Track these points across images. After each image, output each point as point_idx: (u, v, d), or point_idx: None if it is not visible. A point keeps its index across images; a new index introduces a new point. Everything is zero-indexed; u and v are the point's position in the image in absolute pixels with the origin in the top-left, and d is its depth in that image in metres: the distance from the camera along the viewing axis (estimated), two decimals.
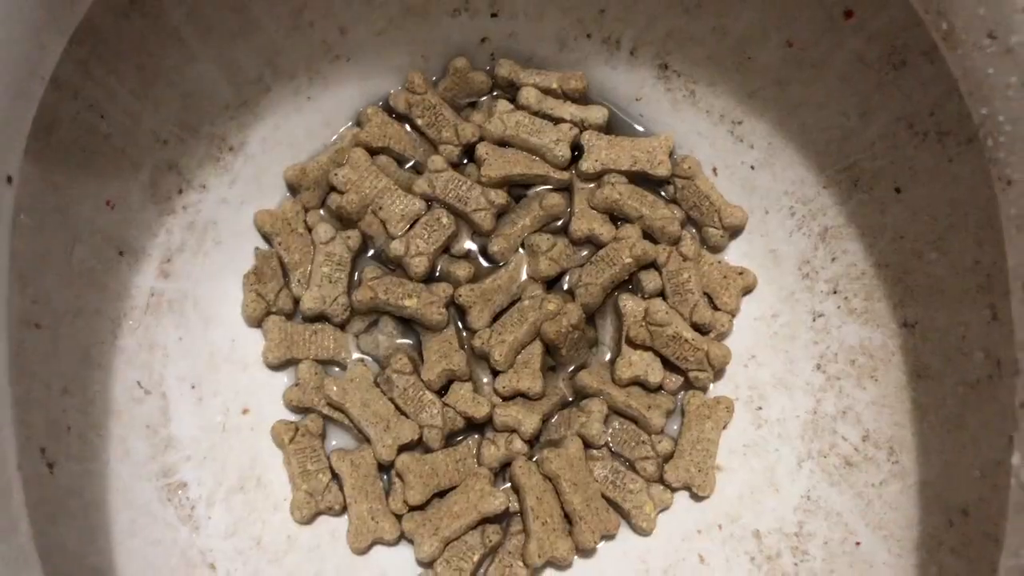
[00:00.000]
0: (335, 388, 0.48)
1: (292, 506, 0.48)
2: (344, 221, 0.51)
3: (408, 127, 0.53)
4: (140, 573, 0.43)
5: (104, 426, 0.44)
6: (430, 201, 0.51)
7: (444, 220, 0.50)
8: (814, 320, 0.50)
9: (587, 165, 0.51)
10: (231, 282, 0.50)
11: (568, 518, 0.48)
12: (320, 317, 0.50)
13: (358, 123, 0.52)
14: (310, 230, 0.51)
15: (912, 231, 0.46)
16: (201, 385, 0.48)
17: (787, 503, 0.48)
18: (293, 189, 0.51)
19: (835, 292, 0.49)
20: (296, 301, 0.50)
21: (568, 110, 0.52)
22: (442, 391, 0.50)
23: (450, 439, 0.50)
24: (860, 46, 0.46)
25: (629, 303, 0.50)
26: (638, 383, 0.50)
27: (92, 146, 0.44)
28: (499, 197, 0.51)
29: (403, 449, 0.48)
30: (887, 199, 0.47)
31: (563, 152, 0.51)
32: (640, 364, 0.50)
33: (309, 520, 0.48)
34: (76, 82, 0.42)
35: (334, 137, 0.52)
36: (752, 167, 0.52)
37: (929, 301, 0.45)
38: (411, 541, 0.48)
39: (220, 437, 0.48)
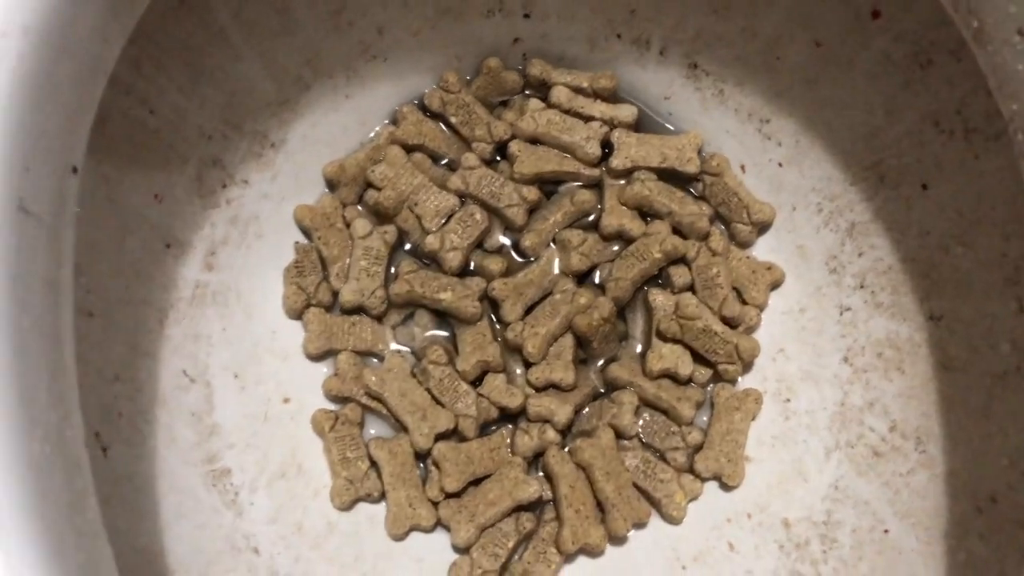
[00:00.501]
0: (374, 378, 0.49)
1: (332, 493, 0.49)
2: (381, 216, 0.52)
3: (442, 125, 0.54)
4: (187, 556, 0.44)
5: (152, 413, 0.45)
6: (464, 197, 0.52)
7: (477, 216, 0.52)
8: (841, 314, 0.51)
9: (617, 162, 0.53)
10: (272, 275, 0.51)
11: (600, 506, 0.49)
12: (358, 309, 0.51)
13: (394, 121, 0.54)
14: (348, 225, 0.52)
15: (938, 226, 0.47)
16: (244, 374, 0.49)
17: (816, 492, 0.49)
18: (332, 185, 0.52)
19: (862, 286, 0.50)
20: (335, 294, 0.51)
21: (598, 108, 0.53)
22: (476, 382, 0.51)
23: (484, 429, 0.51)
24: (887, 45, 0.47)
25: (659, 297, 0.51)
26: (668, 375, 0.51)
27: (141, 141, 0.45)
28: (531, 193, 0.52)
29: (440, 438, 0.50)
30: (913, 195, 0.48)
31: (593, 149, 0.52)
32: (670, 357, 0.51)
33: (348, 507, 0.49)
34: (128, 78, 0.44)
35: (371, 135, 0.54)
36: (780, 164, 0.53)
37: (955, 294, 0.46)
38: (447, 527, 0.49)
39: (262, 425, 0.49)
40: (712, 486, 0.51)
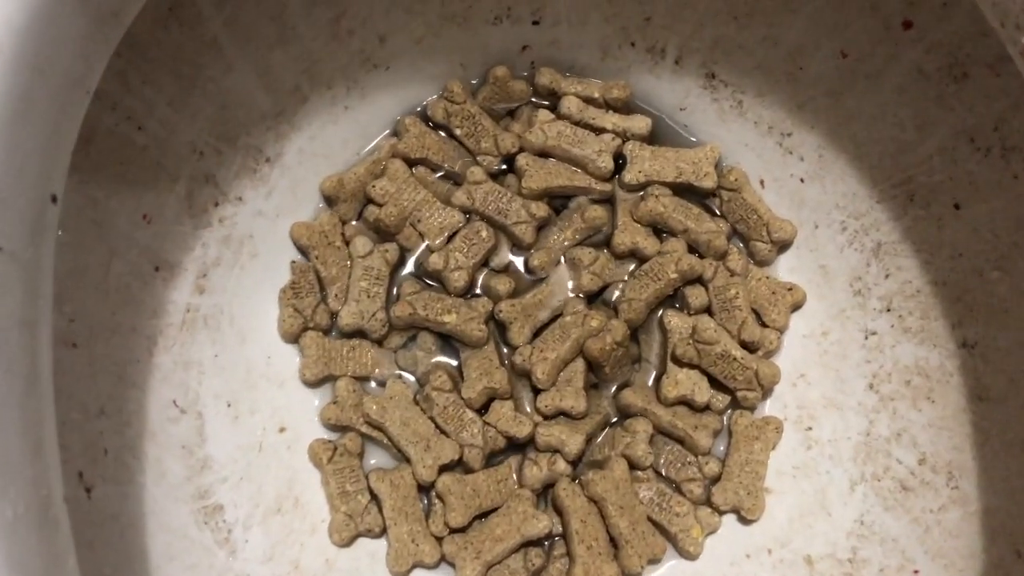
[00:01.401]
0: (374, 406, 0.47)
1: (330, 528, 0.46)
2: (382, 234, 0.50)
3: (446, 137, 0.52)
4: None
5: (140, 447, 0.43)
6: (469, 214, 0.50)
7: (484, 233, 0.49)
8: (866, 338, 0.48)
9: (630, 176, 0.50)
10: (267, 297, 0.48)
11: (614, 542, 0.47)
12: (358, 333, 0.49)
13: (395, 133, 0.51)
14: (347, 243, 0.49)
15: (972, 248, 0.45)
16: (237, 403, 0.47)
17: (840, 528, 0.47)
18: (330, 201, 0.50)
19: (889, 310, 0.48)
20: (333, 316, 0.49)
21: (611, 120, 0.51)
22: (482, 409, 0.49)
23: (491, 459, 0.49)
24: (919, 57, 0.44)
25: (675, 320, 0.49)
26: (684, 403, 0.49)
27: (129, 158, 0.43)
28: (539, 210, 0.50)
29: (444, 469, 0.47)
30: (945, 215, 0.45)
31: (606, 163, 0.50)
32: (687, 383, 0.48)
33: (348, 543, 0.46)
34: (114, 93, 0.41)
35: (370, 147, 0.51)
36: (801, 180, 0.50)
37: (990, 321, 0.44)
38: (452, 564, 0.46)
39: (257, 457, 0.47)
40: (730, 519, 0.48)
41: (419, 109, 0.51)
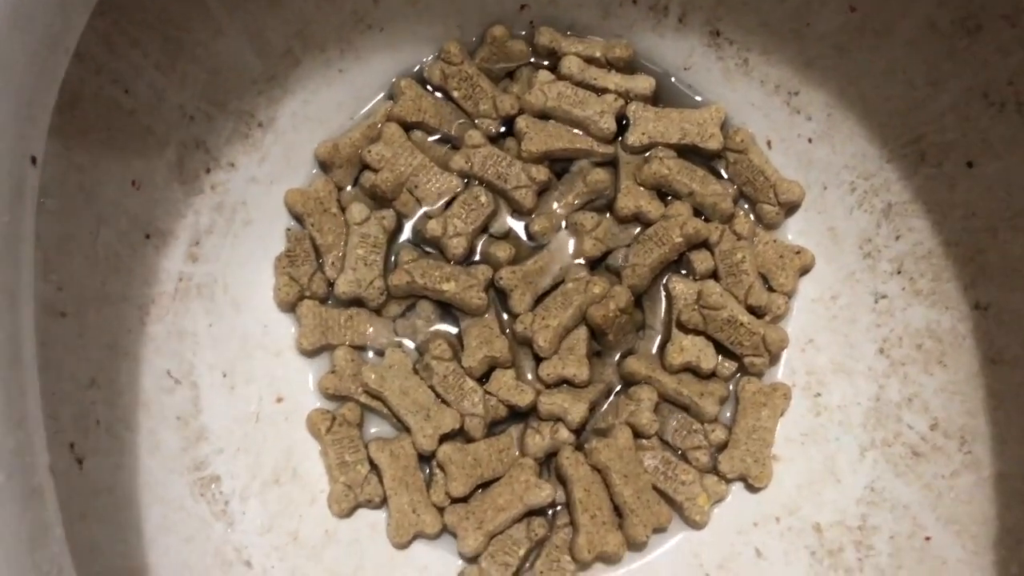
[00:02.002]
0: (373, 376, 0.46)
1: (330, 499, 0.46)
2: (379, 200, 0.49)
3: (443, 100, 0.50)
4: (174, 572, 0.41)
5: (133, 418, 0.42)
6: (468, 178, 0.49)
7: (483, 199, 0.48)
8: (876, 302, 0.47)
9: (633, 138, 0.49)
10: (262, 265, 0.47)
11: (618, 511, 0.46)
12: (355, 301, 0.48)
13: (391, 97, 0.50)
14: (343, 210, 0.48)
15: (985, 208, 0.43)
16: (233, 373, 0.46)
17: (849, 495, 0.46)
18: (325, 167, 0.49)
19: (899, 272, 0.46)
20: (330, 284, 0.48)
21: (613, 80, 0.49)
22: (483, 378, 0.48)
23: (492, 428, 0.48)
24: (930, 10, 0.43)
25: (680, 285, 0.48)
26: (690, 369, 0.48)
27: (116, 123, 0.42)
28: (540, 173, 0.48)
29: (444, 439, 0.46)
30: (957, 174, 0.44)
31: (608, 124, 0.48)
32: (692, 349, 0.47)
33: (348, 513, 0.46)
34: (99, 55, 0.40)
35: (365, 111, 0.50)
36: (809, 140, 0.49)
37: (1004, 282, 0.43)
38: (453, 534, 0.46)
39: (253, 427, 0.46)
40: (738, 488, 0.48)
41: (415, 71, 0.50)
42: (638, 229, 0.49)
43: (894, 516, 0.44)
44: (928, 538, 0.43)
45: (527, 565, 0.46)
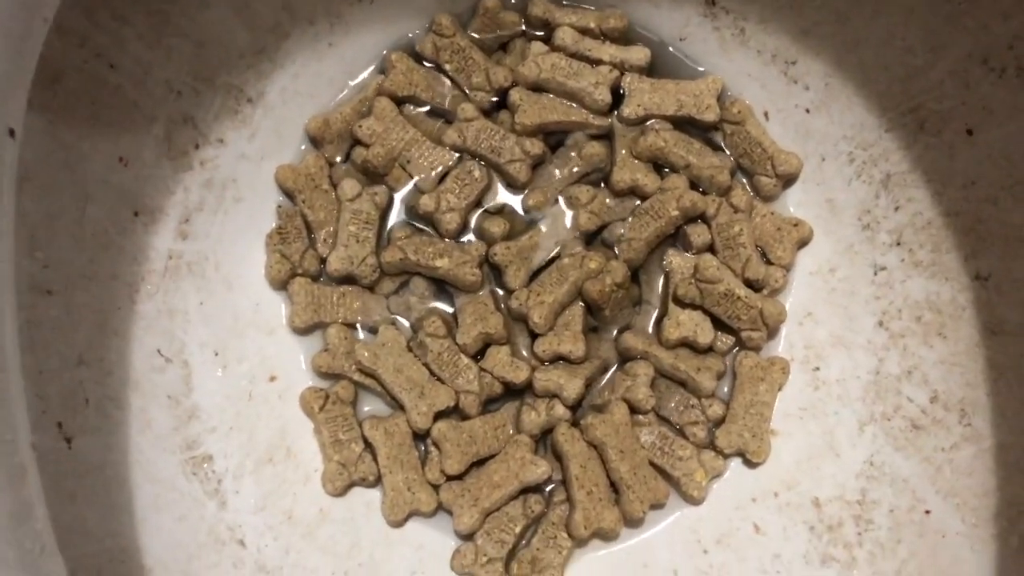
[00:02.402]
0: (366, 353, 0.45)
1: (324, 478, 0.45)
2: (370, 175, 0.48)
3: (436, 73, 0.49)
4: (166, 552, 0.41)
5: (124, 397, 0.42)
6: (461, 152, 0.48)
7: (476, 173, 0.47)
8: (875, 274, 0.46)
9: (629, 110, 0.48)
10: (253, 242, 0.47)
11: (614, 487, 0.46)
12: (348, 279, 0.47)
13: (382, 71, 0.49)
14: (335, 186, 0.48)
15: (986, 176, 0.43)
16: (225, 351, 0.45)
17: (848, 469, 0.45)
18: (316, 142, 0.48)
19: (899, 244, 0.46)
20: (322, 261, 0.47)
21: (607, 51, 0.48)
22: (478, 355, 0.47)
23: (487, 405, 0.47)
24: None
25: (676, 259, 0.47)
26: (687, 344, 0.47)
27: (102, 99, 0.41)
28: (534, 147, 0.48)
29: (439, 416, 0.46)
30: (957, 142, 0.43)
31: (603, 96, 0.48)
32: (689, 324, 0.47)
33: (342, 492, 0.45)
34: (82, 29, 0.40)
35: (353, 83, 0.49)
36: (807, 110, 0.48)
37: (1005, 252, 0.42)
38: (449, 512, 0.45)
39: (246, 406, 0.45)
40: (736, 463, 0.47)
41: (407, 44, 0.49)
42: (635, 202, 0.48)
43: (894, 490, 0.44)
44: (928, 512, 0.43)
45: (523, 542, 0.46)
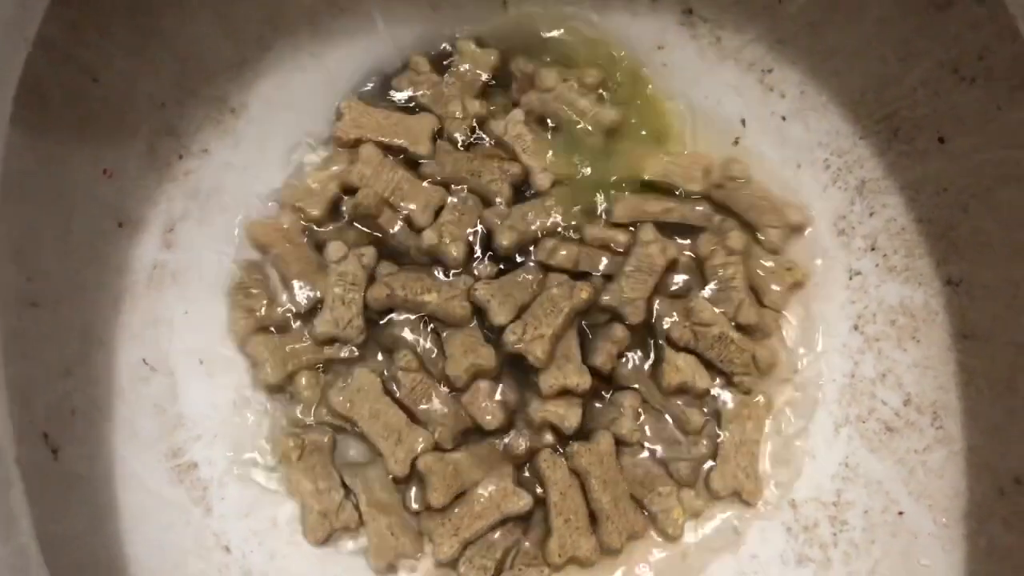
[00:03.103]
0: (341, 399, 0.45)
1: (306, 528, 0.45)
2: (362, 220, 0.48)
3: (388, 112, 0.49)
4: (152, 560, 0.41)
5: (109, 407, 0.42)
6: (445, 184, 0.48)
7: (469, 201, 0.48)
8: (851, 279, 0.47)
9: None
10: (239, 251, 0.47)
11: (594, 516, 0.45)
12: (333, 340, 0.47)
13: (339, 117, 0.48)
14: (316, 246, 0.48)
15: (956, 183, 0.43)
16: (210, 360, 0.46)
17: (824, 471, 0.46)
18: (295, 209, 0.47)
19: (873, 249, 0.47)
20: (297, 316, 0.47)
21: (582, 104, 0.49)
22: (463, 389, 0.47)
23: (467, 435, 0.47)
24: None
25: (667, 303, 0.47)
26: (684, 390, 0.47)
27: (86, 112, 0.42)
28: (512, 167, 0.48)
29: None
30: (929, 149, 0.44)
31: (543, 183, 0.48)
32: (687, 370, 0.46)
33: (324, 541, 0.45)
34: (65, 44, 0.40)
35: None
36: (783, 118, 0.49)
37: (976, 257, 0.43)
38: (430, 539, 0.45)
39: (231, 414, 0.46)
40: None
41: (386, 57, 0.49)
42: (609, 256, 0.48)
43: (868, 491, 0.45)
44: (901, 513, 0.44)
45: (507, 564, 0.46)
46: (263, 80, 0.48)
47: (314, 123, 0.49)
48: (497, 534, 0.46)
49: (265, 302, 0.47)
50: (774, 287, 0.48)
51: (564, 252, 0.47)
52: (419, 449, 0.45)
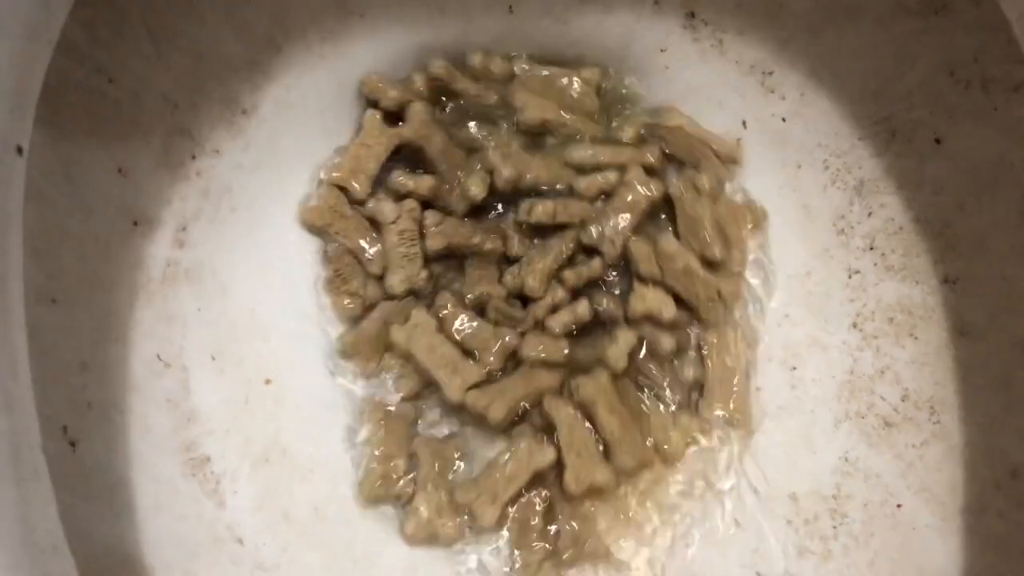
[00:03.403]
0: (401, 336, 0.48)
1: (362, 484, 0.47)
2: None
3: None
4: (167, 551, 0.42)
5: (124, 401, 0.43)
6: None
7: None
8: (850, 277, 0.48)
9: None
10: (249, 250, 0.48)
11: (605, 444, 0.48)
12: (409, 293, 0.50)
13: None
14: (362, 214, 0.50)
15: (953, 183, 0.44)
16: (222, 356, 0.47)
17: (824, 465, 0.47)
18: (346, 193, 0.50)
19: (872, 248, 0.48)
20: (379, 278, 0.50)
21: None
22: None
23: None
24: None
25: (638, 242, 0.49)
26: (651, 319, 0.49)
27: (101, 112, 0.43)
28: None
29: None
30: (926, 150, 0.45)
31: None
32: (654, 300, 0.49)
33: (373, 502, 0.47)
34: (83, 46, 0.41)
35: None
36: (784, 119, 0.50)
37: (972, 256, 0.44)
38: (469, 514, 0.47)
39: (243, 409, 0.47)
40: (717, 456, 0.49)
41: (394, 58, 0.51)
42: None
43: (867, 485, 0.46)
44: (899, 506, 0.44)
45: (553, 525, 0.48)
46: (273, 82, 0.48)
47: (323, 124, 0.50)
48: (534, 495, 0.48)
49: (362, 281, 0.50)
50: (735, 225, 0.50)
51: (540, 208, 0.49)
52: (472, 379, 0.48)
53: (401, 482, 0.47)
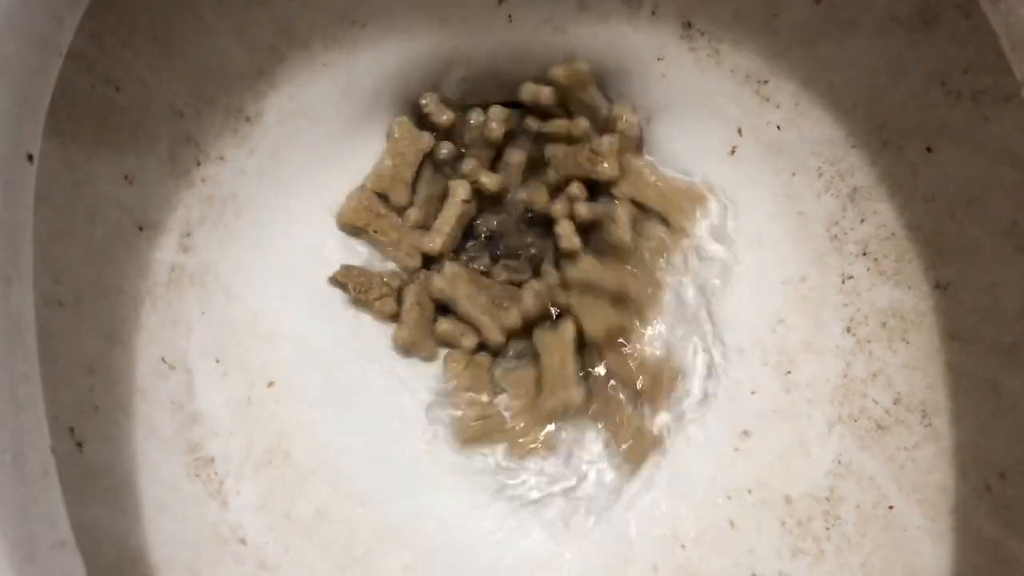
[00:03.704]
0: (442, 285, 0.51)
1: (458, 431, 0.51)
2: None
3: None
4: (171, 550, 0.43)
5: (130, 403, 0.44)
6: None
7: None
8: (843, 283, 0.49)
9: None
10: (252, 255, 0.49)
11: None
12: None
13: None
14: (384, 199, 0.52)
15: (944, 191, 0.45)
16: (225, 359, 0.48)
17: (818, 468, 0.48)
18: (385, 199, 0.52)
19: (865, 254, 0.48)
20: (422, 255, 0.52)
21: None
22: None
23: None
24: (892, 2, 0.44)
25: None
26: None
27: (108, 120, 0.43)
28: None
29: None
30: (918, 159, 0.46)
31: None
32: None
33: (472, 443, 0.51)
34: (90, 54, 0.42)
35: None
36: (778, 127, 0.50)
37: (963, 262, 0.45)
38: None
39: (246, 411, 0.48)
40: (711, 460, 0.49)
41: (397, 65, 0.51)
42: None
43: (860, 487, 0.46)
44: (891, 507, 0.45)
45: None
46: (277, 90, 0.49)
47: (326, 132, 0.51)
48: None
49: (379, 290, 0.52)
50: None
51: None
52: (510, 324, 0.52)
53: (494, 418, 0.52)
